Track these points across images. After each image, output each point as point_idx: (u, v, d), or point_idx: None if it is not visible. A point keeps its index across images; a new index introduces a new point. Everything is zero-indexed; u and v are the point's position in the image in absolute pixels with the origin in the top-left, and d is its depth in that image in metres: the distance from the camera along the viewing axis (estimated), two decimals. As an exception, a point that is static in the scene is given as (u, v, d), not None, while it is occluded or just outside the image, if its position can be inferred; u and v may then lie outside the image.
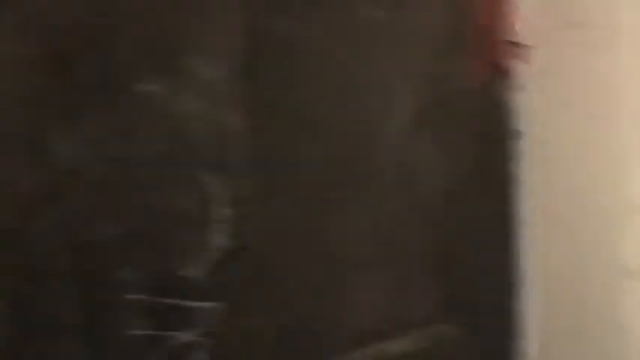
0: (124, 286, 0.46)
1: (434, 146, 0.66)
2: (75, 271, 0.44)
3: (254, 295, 0.54)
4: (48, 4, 0.41)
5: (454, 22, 0.63)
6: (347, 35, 0.58)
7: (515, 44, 0.64)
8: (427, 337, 0.65)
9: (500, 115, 0.66)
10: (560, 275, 0.71)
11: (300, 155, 0.57)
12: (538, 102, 0.66)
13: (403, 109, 0.63)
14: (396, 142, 0.63)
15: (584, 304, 0.71)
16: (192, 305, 0.48)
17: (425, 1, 0.60)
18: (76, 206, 0.44)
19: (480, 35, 0.63)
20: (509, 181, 0.69)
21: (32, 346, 0.42)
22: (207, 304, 0.49)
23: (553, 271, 0.71)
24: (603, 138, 0.68)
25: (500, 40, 0.63)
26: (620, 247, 0.69)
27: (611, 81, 0.66)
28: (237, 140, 0.52)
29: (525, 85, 0.64)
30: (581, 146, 0.69)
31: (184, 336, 0.48)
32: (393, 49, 0.61)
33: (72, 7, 0.42)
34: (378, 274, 0.64)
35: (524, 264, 0.72)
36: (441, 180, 0.67)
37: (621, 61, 0.66)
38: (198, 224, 0.50)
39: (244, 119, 0.52)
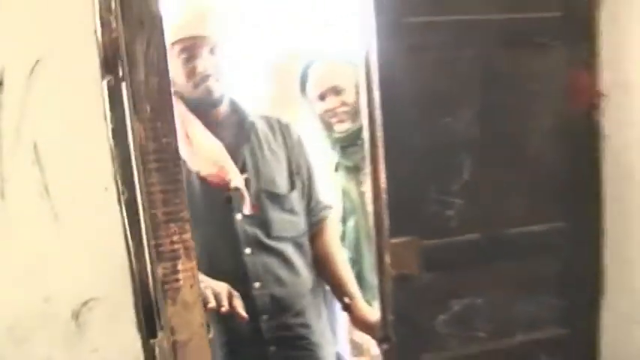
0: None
1: (558, 145, 1.32)
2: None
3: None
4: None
5: (569, 82, 1.31)
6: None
7: (598, 92, 1.32)
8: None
9: (592, 127, 1.33)
10: None
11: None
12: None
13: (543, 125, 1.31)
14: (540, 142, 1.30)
15: None
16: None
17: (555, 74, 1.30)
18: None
19: (583, 88, 1.32)
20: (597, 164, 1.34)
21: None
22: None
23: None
24: None
25: (593, 90, 1.32)
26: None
27: None
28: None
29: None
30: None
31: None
32: (540, 98, 1.29)
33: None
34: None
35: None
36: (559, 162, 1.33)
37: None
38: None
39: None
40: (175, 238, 0.91)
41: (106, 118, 0.98)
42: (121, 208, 0.99)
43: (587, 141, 1.34)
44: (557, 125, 1.33)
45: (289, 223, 1.61)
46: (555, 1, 1.30)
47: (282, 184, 1.61)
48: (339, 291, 1.69)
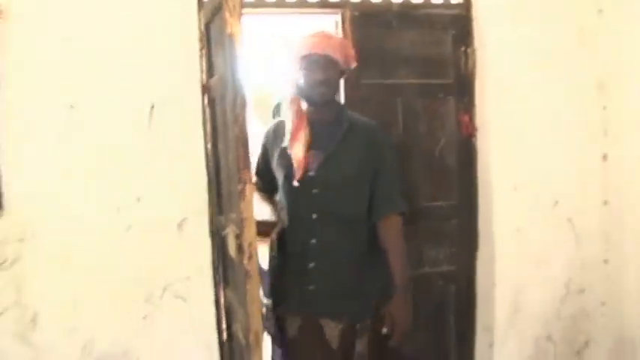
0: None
1: (452, 154, 2.33)
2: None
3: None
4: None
5: (458, 120, 2.32)
6: (430, 126, 2.31)
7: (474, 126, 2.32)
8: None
9: (471, 145, 2.34)
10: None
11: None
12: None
13: (443, 143, 2.32)
14: (441, 153, 2.33)
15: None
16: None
17: (450, 115, 2.31)
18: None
19: (466, 123, 2.33)
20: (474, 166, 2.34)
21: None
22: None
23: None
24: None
25: (471, 125, 2.33)
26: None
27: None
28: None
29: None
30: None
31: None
32: (441, 128, 2.32)
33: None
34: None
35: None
36: (453, 164, 2.34)
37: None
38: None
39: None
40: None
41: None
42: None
43: (468, 153, 2.35)
44: (452, 143, 2.35)
45: None
46: (450, 73, 2.33)
47: None
48: None
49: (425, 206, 2.37)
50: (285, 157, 1.99)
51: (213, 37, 2.02)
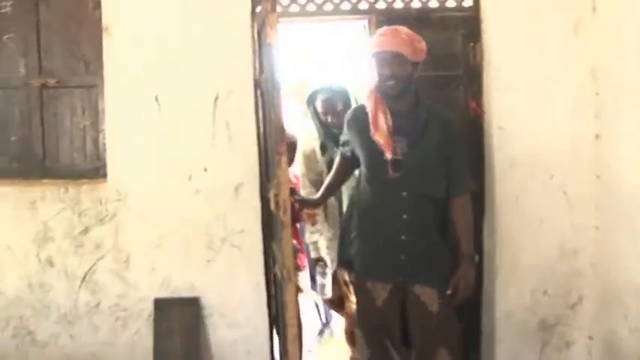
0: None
1: (464, 132, 2.78)
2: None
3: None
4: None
5: (468, 105, 2.76)
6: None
7: (482, 110, 2.76)
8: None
9: (479, 124, 2.78)
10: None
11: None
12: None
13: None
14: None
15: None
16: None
17: (461, 101, 2.76)
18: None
19: (475, 107, 2.77)
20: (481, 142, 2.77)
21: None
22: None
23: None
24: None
25: (479, 109, 2.76)
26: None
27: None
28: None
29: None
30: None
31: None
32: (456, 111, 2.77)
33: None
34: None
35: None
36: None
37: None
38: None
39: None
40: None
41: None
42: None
43: (475, 133, 2.79)
44: (462, 125, 2.78)
45: None
46: (461, 66, 2.77)
47: None
48: None
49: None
50: (370, 143, 2.24)
51: (262, 42, 2.59)
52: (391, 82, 2.18)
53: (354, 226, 2.39)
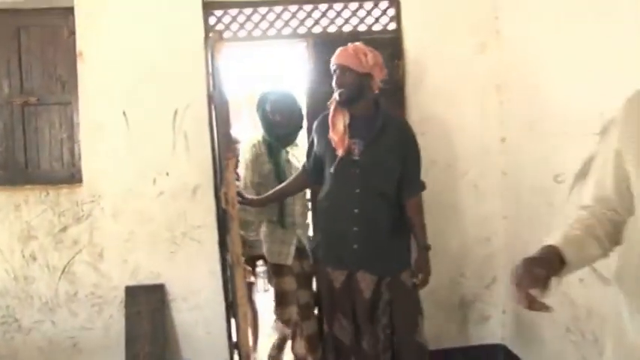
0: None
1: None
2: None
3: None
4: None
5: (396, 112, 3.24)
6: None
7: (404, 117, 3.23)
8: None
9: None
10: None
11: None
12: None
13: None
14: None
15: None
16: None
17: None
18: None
19: (401, 115, 3.24)
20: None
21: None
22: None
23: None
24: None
25: (402, 116, 3.24)
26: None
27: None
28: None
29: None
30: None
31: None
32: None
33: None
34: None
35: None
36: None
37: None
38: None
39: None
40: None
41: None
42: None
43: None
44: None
45: None
46: (387, 80, 3.24)
47: None
48: None
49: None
50: (330, 143, 2.55)
51: (213, 63, 3.04)
52: (339, 90, 2.51)
53: (316, 220, 2.75)
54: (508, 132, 3.16)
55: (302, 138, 3.26)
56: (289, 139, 3.18)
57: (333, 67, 2.54)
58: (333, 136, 2.52)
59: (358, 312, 2.61)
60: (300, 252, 3.12)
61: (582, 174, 2.28)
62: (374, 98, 2.59)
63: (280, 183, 3.00)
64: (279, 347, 3.37)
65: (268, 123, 3.14)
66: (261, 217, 3.19)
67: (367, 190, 2.51)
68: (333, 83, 2.53)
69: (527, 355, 3.05)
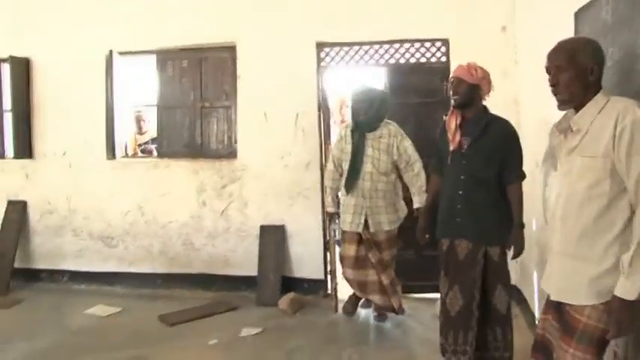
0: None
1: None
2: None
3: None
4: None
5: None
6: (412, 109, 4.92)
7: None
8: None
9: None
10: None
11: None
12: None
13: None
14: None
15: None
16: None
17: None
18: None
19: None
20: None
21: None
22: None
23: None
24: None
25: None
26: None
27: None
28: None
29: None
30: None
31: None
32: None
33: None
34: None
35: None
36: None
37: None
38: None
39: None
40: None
41: (317, 122, 4.92)
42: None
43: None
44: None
45: None
46: (439, 94, 4.90)
47: None
48: None
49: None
50: (447, 142, 3.12)
51: (321, 82, 4.86)
52: (455, 96, 3.09)
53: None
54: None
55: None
56: (369, 125, 4.03)
57: (450, 79, 3.16)
58: (448, 134, 3.14)
59: (454, 271, 3.14)
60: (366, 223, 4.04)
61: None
62: (482, 105, 3.16)
63: (354, 162, 4.00)
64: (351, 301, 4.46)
65: (352, 111, 4.13)
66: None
67: (469, 176, 3.06)
68: (450, 92, 3.15)
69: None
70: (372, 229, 4.04)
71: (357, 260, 4.11)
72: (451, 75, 3.20)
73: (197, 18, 5.06)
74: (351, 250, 4.11)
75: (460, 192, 3.08)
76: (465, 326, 3.06)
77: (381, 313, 4.34)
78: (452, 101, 3.14)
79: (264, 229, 5.04)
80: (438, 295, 4.55)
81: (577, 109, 1.97)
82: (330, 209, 4.31)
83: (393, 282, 4.16)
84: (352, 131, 4.09)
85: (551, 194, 2.17)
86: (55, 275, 5.48)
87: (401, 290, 4.29)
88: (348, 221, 4.09)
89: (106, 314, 4.61)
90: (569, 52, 1.95)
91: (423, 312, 4.53)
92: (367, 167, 4.00)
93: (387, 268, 4.13)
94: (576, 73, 1.93)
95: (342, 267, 4.21)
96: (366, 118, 4.01)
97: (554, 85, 1.98)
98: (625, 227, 1.85)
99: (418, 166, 4.05)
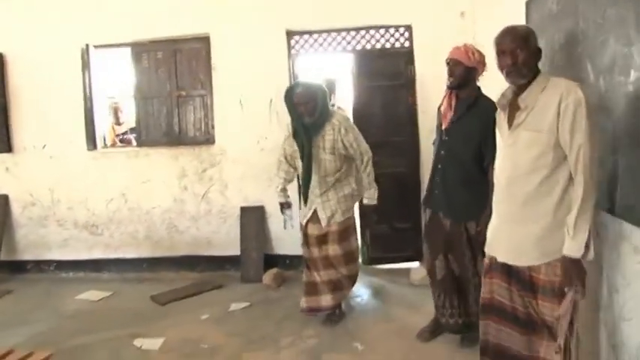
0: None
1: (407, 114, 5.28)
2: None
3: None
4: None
5: (408, 98, 5.26)
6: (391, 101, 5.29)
7: (415, 102, 5.26)
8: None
9: (413, 110, 5.31)
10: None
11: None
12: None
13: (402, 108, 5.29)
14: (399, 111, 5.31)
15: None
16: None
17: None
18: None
19: (412, 100, 5.28)
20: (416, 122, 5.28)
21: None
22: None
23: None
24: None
25: (414, 100, 5.27)
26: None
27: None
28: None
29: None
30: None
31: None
32: (401, 102, 5.28)
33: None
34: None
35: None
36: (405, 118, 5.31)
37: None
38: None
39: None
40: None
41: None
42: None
43: (411, 113, 5.29)
44: (406, 109, 5.29)
45: None
46: (403, 77, 5.26)
47: None
48: None
49: (385, 140, 5.36)
50: (441, 120, 3.34)
51: (293, 69, 5.16)
52: (450, 79, 3.19)
53: None
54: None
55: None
56: (317, 127, 3.81)
57: (447, 60, 3.23)
58: (441, 112, 3.35)
59: (441, 241, 3.34)
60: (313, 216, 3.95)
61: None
62: (477, 86, 3.25)
63: (305, 167, 3.82)
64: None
65: (294, 113, 3.86)
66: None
67: (448, 152, 3.25)
68: (447, 72, 3.23)
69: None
70: (324, 224, 3.92)
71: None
72: (448, 56, 3.25)
73: (170, 10, 5.28)
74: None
75: (439, 166, 3.30)
76: (450, 290, 3.38)
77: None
78: (447, 82, 3.24)
79: (245, 210, 5.34)
80: (411, 265, 5.03)
81: (520, 89, 2.30)
82: (281, 199, 4.15)
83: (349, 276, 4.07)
84: (295, 131, 3.90)
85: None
86: (41, 265, 5.66)
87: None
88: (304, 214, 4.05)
89: (98, 298, 4.85)
90: (524, 35, 2.29)
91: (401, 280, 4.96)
92: (320, 171, 3.88)
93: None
94: (530, 53, 2.26)
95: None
96: (313, 119, 3.80)
97: (514, 64, 2.25)
98: (563, 193, 2.19)
99: (366, 159, 3.90)
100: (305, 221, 4.02)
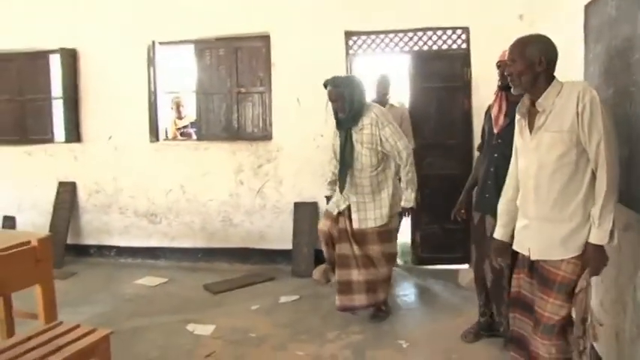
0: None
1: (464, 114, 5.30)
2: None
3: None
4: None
5: (463, 101, 5.27)
6: (447, 103, 5.32)
7: (470, 104, 5.28)
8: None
9: (467, 112, 5.32)
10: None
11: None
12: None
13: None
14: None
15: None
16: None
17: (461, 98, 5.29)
18: None
19: (467, 103, 5.30)
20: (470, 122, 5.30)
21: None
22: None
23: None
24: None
25: (469, 104, 5.29)
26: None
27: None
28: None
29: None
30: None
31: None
32: (458, 104, 5.30)
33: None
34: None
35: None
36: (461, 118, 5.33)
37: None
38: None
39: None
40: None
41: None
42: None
43: (466, 115, 5.31)
44: (464, 111, 5.32)
45: None
46: (459, 79, 5.29)
47: None
48: None
49: (440, 143, 5.39)
50: (491, 125, 3.35)
51: (350, 69, 5.26)
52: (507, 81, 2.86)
53: None
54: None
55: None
56: (350, 121, 3.89)
57: (498, 63, 3.39)
58: (493, 116, 3.36)
59: (486, 246, 3.29)
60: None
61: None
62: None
63: (340, 159, 3.93)
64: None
65: (332, 108, 4.03)
66: None
67: (501, 155, 3.17)
68: (499, 74, 3.33)
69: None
70: (355, 226, 3.95)
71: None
72: (501, 58, 3.35)
73: (233, 9, 5.50)
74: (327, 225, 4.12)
75: (492, 169, 3.30)
76: (497, 296, 3.42)
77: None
78: (499, 84, 3.35)
79: (298, 206, 5.49)
80: (459, 267, 5.06)
81: (535, 95, 2.40)
82: (327, 193, 4.31)
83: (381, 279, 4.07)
84: (337, 128, 4.03)
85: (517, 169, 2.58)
86: (103, 250, 6.00)
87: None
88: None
89: (154, 284, 5.11)
90: (520, 47, 2.41)
91: (449, 281, 5.00)
92: (357, 165, 3.90)
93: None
94: (526, 65, 2.37)
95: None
96: (346, 115, 3.88)
97: (510, 74, 2.42)
98: (588, 189, 2.31)
99: (405, 156, 3.84)
100: (336, 212, 4.04)
